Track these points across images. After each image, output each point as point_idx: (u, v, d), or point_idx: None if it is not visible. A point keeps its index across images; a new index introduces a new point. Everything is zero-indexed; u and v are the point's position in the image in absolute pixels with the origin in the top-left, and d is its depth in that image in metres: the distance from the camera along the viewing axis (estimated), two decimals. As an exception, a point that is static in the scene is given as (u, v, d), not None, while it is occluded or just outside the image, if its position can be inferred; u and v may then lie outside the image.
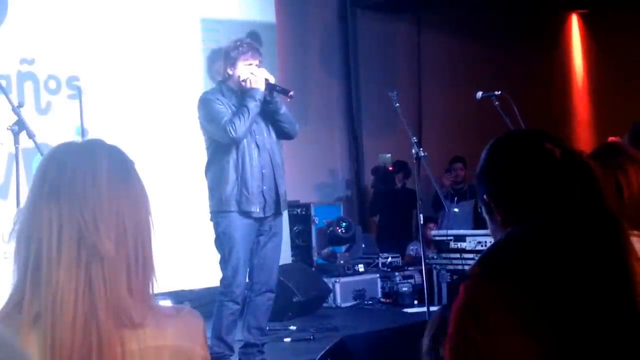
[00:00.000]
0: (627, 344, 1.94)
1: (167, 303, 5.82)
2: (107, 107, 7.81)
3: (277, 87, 6.12)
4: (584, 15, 13.85)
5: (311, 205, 9.44)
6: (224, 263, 6.07)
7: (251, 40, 6.39)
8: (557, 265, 1.93)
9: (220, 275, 6.10)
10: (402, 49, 11.88)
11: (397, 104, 7.26)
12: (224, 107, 6.00)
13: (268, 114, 6.10)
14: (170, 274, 7.34)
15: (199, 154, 8.47)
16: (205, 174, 6.19)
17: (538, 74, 12.97)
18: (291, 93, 6.11)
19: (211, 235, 8.09)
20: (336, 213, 9.68)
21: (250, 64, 6.04)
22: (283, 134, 6.25)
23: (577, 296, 1.92)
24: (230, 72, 6.08)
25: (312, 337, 7.03)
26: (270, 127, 6.14)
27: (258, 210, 6.00)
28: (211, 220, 6.16)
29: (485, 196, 2.14)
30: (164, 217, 7.49)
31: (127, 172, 1.87)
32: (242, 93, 6.02)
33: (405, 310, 8.25)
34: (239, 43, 6.15)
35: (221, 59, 6.20)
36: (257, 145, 6.04)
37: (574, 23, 13.97)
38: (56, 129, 7.30)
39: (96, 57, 7.86)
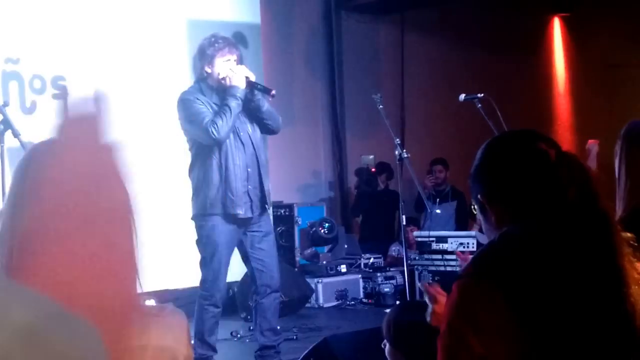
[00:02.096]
0: (617, 344, 1.97)
1: (151, 302, 5.83)
2: (92, 107, 7.80)
3: (258, 86, 6.00)
4: (566, 18, 13.92)
5: (294, 205, 9.44)
6: (205, 266, 6.02)
7: (225, 35, 6.23)
8: (551, 266, 1.96)
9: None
10: (386, 50, 11.91)
11: (381, 106, 7.29)
12: (204, 107, 5.87)
13: (251, 110, 5.99)
14: (155, 273, 7.33)
15: (184, 155, 8.51)
16: (189, 175, 6.11)
17: (520, 77, 13.03)
18: (273, 92, 6.01)
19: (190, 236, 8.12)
20: (319, 214, 9.68)
21: (229, 60, 5.91)
22: (267, 130, 6.16)
23: (569, 297, 1.94)
24: (209, 70, 5.94)
25: (295, 337, 7.03)
26: (254, 124, 6.04)
27: (244, 211, 5.94)
28: (192, 219, 6.08)
29: (479, 196, 2.16)
30: (148, 217, 7.53)
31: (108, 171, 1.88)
32: (222, 91, 5.90)
33: (387, 310, 8.24)
34: (213, 39, 5.99)
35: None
36: (242, 143, 5.94)
37: (556, 26, 14.03)
38: (41, 129, 7.31)
39: (82, 57, 7.84)
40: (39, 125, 7.38)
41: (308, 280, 8.60)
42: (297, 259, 9.28)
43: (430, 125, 11.93)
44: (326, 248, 9.33)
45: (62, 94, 7.60)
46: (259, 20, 9.39)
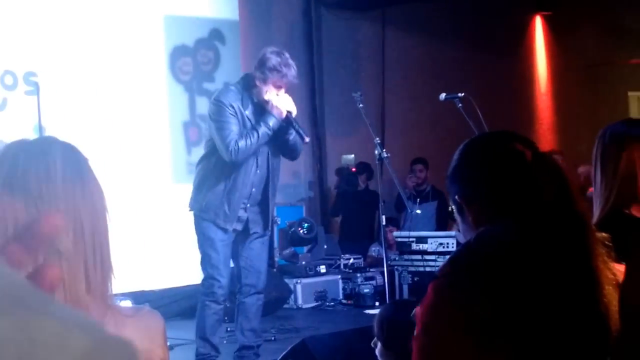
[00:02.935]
0: (591, 344, 1.99)
1: (127, 304, 5.75)
2: (66, 104, 7.71)
3: (295, 126, 5.93)
4: (548, 17, 13.91)
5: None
6: (204, 263, 5.99)
7: (293, 62, 6.01)
8: (527, 266, 1.96)
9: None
10: (366, 48, 11.85)
11: (361, 105, 7.23)
12: (234, 119, 5.77)
13: (278, 137, 5.93)
14: (131, 274, 7.27)
15: (158, 152, 8.42)
16: (197, 165, 6.09)
17: (502, 76, 13.01)
18: (307, 140, 6.01)
19: (173, 235, 8.06)
20: (298, 214, 9.64)
21: (281, 87, 5.85)
22: (286, 156, 6.15)
23: (544, 297, 1.95)
24: (258, 84, 5.83)
25: (273, 338, 6.98)
26: (277, 148, 6.01)
27: (232, 229, 5.92)
28: (190, 209, 6.04)
29: (456, 196, 2.17)
30: (123, 217, 7.43)
31: (82, 168, 1.84)
32: (259, 107, 5.83)
33: (367, 311, 8.22)
34: (284, 62, 5.84)
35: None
36: (257, 164, 5.90)
37: (538, 25, 14.02)
38: (13, 126, 7.20)
39: (55, 52, 7.75)
40: (11, 123, 7.28)
41: (287, 280, 8.55)
42: (276, 259, 9.22)
43: (411, 124, 11.90)
44: (305, 248, 9.29)
45: (34, 90, 7.49)
46: (237, 17, 9.31)
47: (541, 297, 1.94)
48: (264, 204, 6.04)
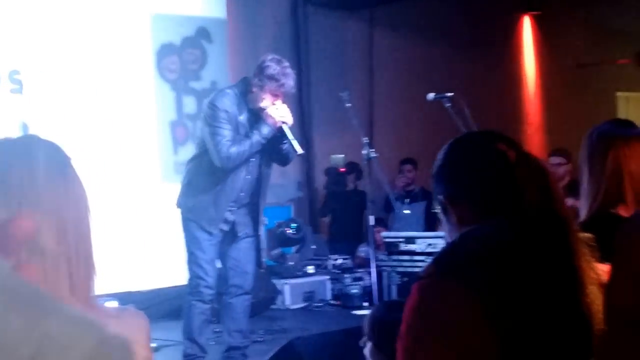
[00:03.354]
0: (574, 344, 2.01)
1: (113, 304, 5.72)
2: (51, 103, 7.65)
3: (289, 137, 5.90)
4: (537, 17, 13.91)
5: (261, 205, 9.36)
6: (190, 263, 5.98)
7: (293, 74, 6.02)
8: (511, 267, 1.97)
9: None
10: (354, 47, 11.83)
11: (349, 104, 7.22)
12: (228, 126, 5.76)
13: (271, 145, 5.94)
14: (118, 275, 7.23)
15: (145, 151, 8.37)
16: (187, 164, 6.10)
17: (490, 76, 13.02)
18: (300, 151, 5.98)
19: (159, 235, 8.02)
20: (286, 214, 9.61)
21: (278, 97, 5.84)
22: (278, 162, 6.16)
23: (528, 297, 1.96)
24: (255, 90, 5.84)
25: (261, 339, 6.96)
26: (269, 156, 6.02)
27: (216, 233, 5.91)
28: (178, 207, 6.02)
29: (441, 196, 2.17)
30: (109, 217, 7.38)
31: (64, 167, 1.82)
32: (254, 114, 5.83)
33: (355, 312, 8.20)
34: (283, 72, 5.83)
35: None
36: (248, 170, 5.91)
37: (526, 25, 14.02)
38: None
39: (40, 50, 7.68)
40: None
41: (274, 281, 8.53)
42: (264, 259, 9.16)
43: (400, 124, 11.89)
44: (293, 249, 9.27)
45: (19, 89, 7.44)
46: (224, 15, 9.26)
47: (525, 297, 1.95)
48: (252, 207, 6.03)
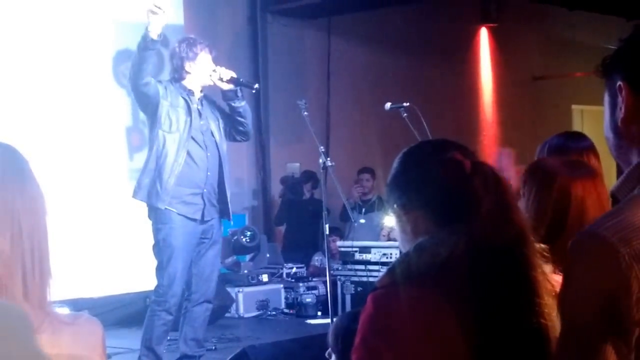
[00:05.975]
0: (530, 355, 1.99)
1: (64, 311, 5.65)
2: (8, 105, 7.57)
3: (242, 81, 6.08)
4: (493, 29, 14.01)
5: (216, 213, 9.32)
6: (160, 271, 5.87)
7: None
8: (466, 277, 1.95)
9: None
10: (312, 56, 11.83)
11: (306, 113, 7.21)
12: (160, 86, 5.87)
13: (228, 116, 6.04)
14: (68, 281, 7.13)
15: (99, 157, 8.30)
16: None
17: (447, 86, 13.08)
18: (256, 86, 6.24)
19: (112, 242, 7.94)
20: (241, 222, 9.58)
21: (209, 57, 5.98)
22: (239, 133, 6.14)
23: (484, 307, 1.95)
24: (189, 69, 5.94)
25: (214, 347, 6.91)
26: (224, 133, 6.04)
27: (192, 213, 5.86)
28: (149, 217, 5.95)
29: (395, 206, 2.15)
30: (61, 223, 7.30)
31: (21, 171, 1.80)
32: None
33: (309, 321, 8.20)
34: (192, 40, 6.07)
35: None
36: (205, 145, 5.90)
37: (483, 37, 14.11)
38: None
39: (1, 55, 7.60)
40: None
41: (228, 289, 8.49)
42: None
43: (357, 133, 11.91)
44: (248, 257, 9.24)
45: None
46: (182, 22, 9.21)
47: (480, 308, 1.94)
48: (221, 192, 5.98)
